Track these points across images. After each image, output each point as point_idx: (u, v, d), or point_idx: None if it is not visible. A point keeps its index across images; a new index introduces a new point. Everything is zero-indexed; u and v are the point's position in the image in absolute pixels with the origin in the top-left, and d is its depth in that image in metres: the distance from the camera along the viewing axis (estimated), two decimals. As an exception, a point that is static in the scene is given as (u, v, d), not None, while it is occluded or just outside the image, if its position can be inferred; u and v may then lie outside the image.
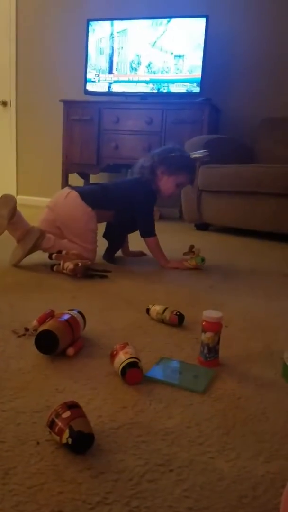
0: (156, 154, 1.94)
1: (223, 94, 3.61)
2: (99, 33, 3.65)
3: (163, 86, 3.50)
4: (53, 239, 1.83)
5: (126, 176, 3.85)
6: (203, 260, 1.91)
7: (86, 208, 1.86)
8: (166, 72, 3.47)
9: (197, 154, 2.00)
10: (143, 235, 1.94)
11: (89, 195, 1.89)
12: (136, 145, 3.50)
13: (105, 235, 2.05)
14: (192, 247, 1.94)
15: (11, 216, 1.73)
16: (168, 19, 3.42)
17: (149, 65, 3.52)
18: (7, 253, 1.82)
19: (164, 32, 3.44)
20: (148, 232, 1.92)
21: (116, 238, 2.05)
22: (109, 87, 3.67)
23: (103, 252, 2.01)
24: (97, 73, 3.70)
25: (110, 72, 3.66)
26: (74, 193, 1.88)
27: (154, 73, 3.52)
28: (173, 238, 2.59)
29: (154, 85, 3.53)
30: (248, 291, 1.63)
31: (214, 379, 0.93)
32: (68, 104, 3.71)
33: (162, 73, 3.49)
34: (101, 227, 2.00)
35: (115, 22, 3.59)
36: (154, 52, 3.49)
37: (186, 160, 1.94)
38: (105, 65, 3.67)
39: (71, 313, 1.06)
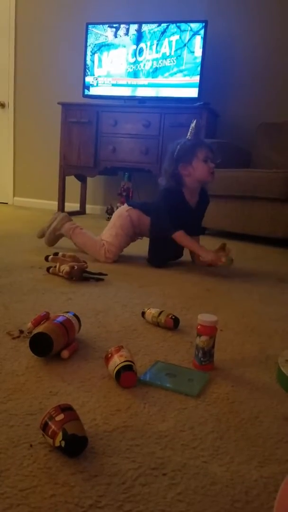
0: (165, 165, 1.99)
1: (221, 99, 3.62)
2: (98, 36, 3.67)
3: (162, 90, 3.51)
4: (75, 226, 2.09)
5: (123, 179, 3.86)
6: (232, 261, 1.86)
7: (125, 206, 2.08)
8: (165, 76, 3.49)
9: (190, 130, 1.98)
10: (166, 234, 1.95)
11: (132, 201, 2.04)
12: (133, 148, 3.50)
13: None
14: (224, 245, 1.92)
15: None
16: (167, 24, 3.43)
17: (147, 69, 3.54)
18: (4, 254, 1.81)
19: (163, 36, 3.46)
20: (167, 230, 1.94)
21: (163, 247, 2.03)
22: (108, 90, 3.68)
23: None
24: (96, 77, 3.72)
25: (109, 75, 3.68)
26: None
27: (153, 77, 3.53)
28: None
29: (152, 89, 3.54)
30: (243, 295, 1.63)
31: (209, 383, 0.93)
32: (67, 107, 3.71)
33: (160, 77, 3.51)
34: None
35: (114, 25, 3.60)
36: (153, 57, 3.51)
37: (189, 141, 1.93)
38: (103, 68, 3.69)
39: (66, 316, 1.06)
